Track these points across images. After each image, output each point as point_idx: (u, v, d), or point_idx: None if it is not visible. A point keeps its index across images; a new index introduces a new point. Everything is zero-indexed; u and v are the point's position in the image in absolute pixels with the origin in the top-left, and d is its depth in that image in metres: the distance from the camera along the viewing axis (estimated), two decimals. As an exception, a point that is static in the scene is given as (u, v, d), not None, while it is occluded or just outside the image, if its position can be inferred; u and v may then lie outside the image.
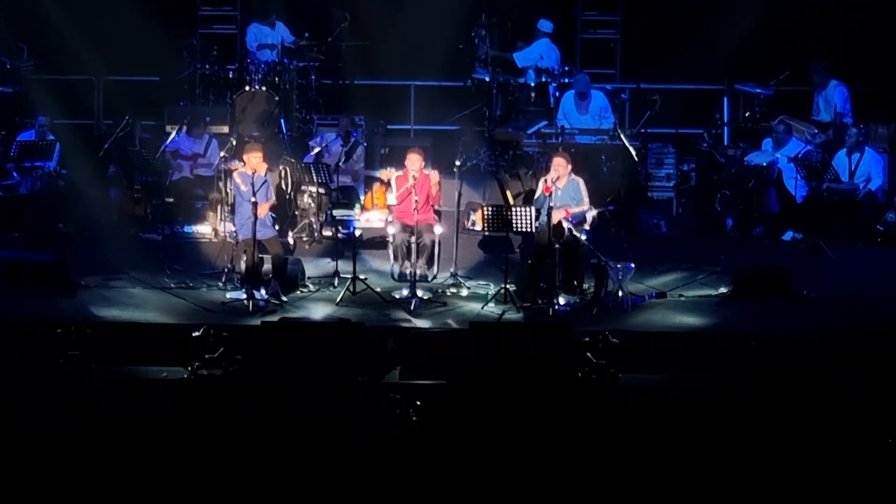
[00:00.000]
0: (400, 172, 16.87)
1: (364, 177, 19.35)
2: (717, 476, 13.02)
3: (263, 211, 15.87)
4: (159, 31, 21.01)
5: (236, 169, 16.57)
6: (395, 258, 16.71)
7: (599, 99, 19.87)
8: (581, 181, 16.33)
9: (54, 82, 20.81)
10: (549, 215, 15.76)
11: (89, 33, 20.34)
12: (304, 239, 18.09)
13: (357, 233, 17.40)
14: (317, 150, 18.59)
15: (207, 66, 21.00)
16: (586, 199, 16.22)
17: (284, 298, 15.88)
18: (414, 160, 16.57)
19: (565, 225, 15.86)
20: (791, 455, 13.12)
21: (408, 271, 16.31)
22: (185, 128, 19.35)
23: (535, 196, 16.39)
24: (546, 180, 16.03)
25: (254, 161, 16.02)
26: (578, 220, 16.05)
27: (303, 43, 21.01)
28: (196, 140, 19.29)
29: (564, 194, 16.06)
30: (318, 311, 15.61)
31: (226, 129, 20.18)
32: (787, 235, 18.70)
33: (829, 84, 19.93)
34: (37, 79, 20.85)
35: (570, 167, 16.24)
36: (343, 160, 18.66)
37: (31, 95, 20.47)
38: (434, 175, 16.83)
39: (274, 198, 16.87)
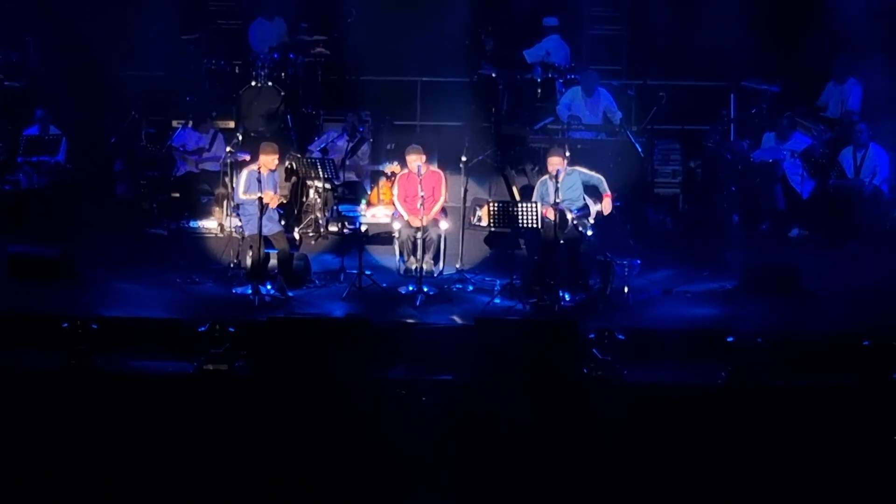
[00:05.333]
0: (404, 171, 16.86)
1: (369, 172, 19.31)
2: (721, 470, 13.04)
3: (274, 201, 15.88)
4: (165, 27, 20.98)
5: (244, 162, 16.58)
6: (401, 254, 16.71)
7: (605, 98, 19.59)
8: (578, 169, 16.25)
9: (61, 77, 20.76)
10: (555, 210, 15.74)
11: (96, 28, 20.28)
12: (310, 234, 18.06)
13: (363, 228, 17.37)
14: (320, 148, 18.60)
15: (213, 62, 20.97)
16: (592, 174, 16.18)
17: (290, 294, 15.89)
18: (413, 161, 16.59)
19: (569, 216, 15.84)
20: (797, 450, 13.14)
21: (413, 267, 16.32)
22: (190, 122, 19.35)
23: (535, 191, 16.37)
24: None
25: (269, 162, 16.06)
26: (583, 214, 16.02)
27: (300, 37, 20.96)
28: (202, 134, 19.27)
29: (565, 188, 15.98)
30: (324, 307, 15.60)
31: (232, 124, 20.17)
32: (794, 232, 18.66)
33: (848, 81, 19.85)
34: (44, 74, 20.81)
35: (565, 162, 16.14)
36: (348, 156, 18.64)
37: (39, 91, 20.45)
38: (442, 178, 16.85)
39: (279, 194, 16.79)
